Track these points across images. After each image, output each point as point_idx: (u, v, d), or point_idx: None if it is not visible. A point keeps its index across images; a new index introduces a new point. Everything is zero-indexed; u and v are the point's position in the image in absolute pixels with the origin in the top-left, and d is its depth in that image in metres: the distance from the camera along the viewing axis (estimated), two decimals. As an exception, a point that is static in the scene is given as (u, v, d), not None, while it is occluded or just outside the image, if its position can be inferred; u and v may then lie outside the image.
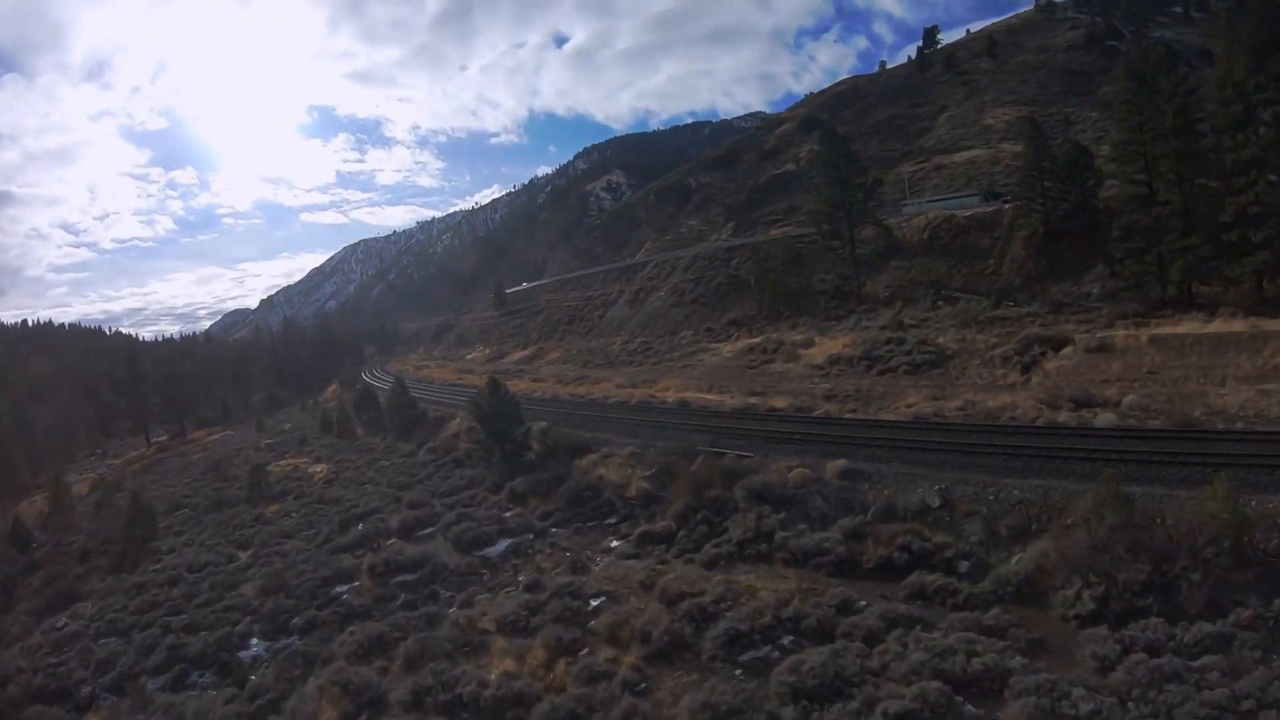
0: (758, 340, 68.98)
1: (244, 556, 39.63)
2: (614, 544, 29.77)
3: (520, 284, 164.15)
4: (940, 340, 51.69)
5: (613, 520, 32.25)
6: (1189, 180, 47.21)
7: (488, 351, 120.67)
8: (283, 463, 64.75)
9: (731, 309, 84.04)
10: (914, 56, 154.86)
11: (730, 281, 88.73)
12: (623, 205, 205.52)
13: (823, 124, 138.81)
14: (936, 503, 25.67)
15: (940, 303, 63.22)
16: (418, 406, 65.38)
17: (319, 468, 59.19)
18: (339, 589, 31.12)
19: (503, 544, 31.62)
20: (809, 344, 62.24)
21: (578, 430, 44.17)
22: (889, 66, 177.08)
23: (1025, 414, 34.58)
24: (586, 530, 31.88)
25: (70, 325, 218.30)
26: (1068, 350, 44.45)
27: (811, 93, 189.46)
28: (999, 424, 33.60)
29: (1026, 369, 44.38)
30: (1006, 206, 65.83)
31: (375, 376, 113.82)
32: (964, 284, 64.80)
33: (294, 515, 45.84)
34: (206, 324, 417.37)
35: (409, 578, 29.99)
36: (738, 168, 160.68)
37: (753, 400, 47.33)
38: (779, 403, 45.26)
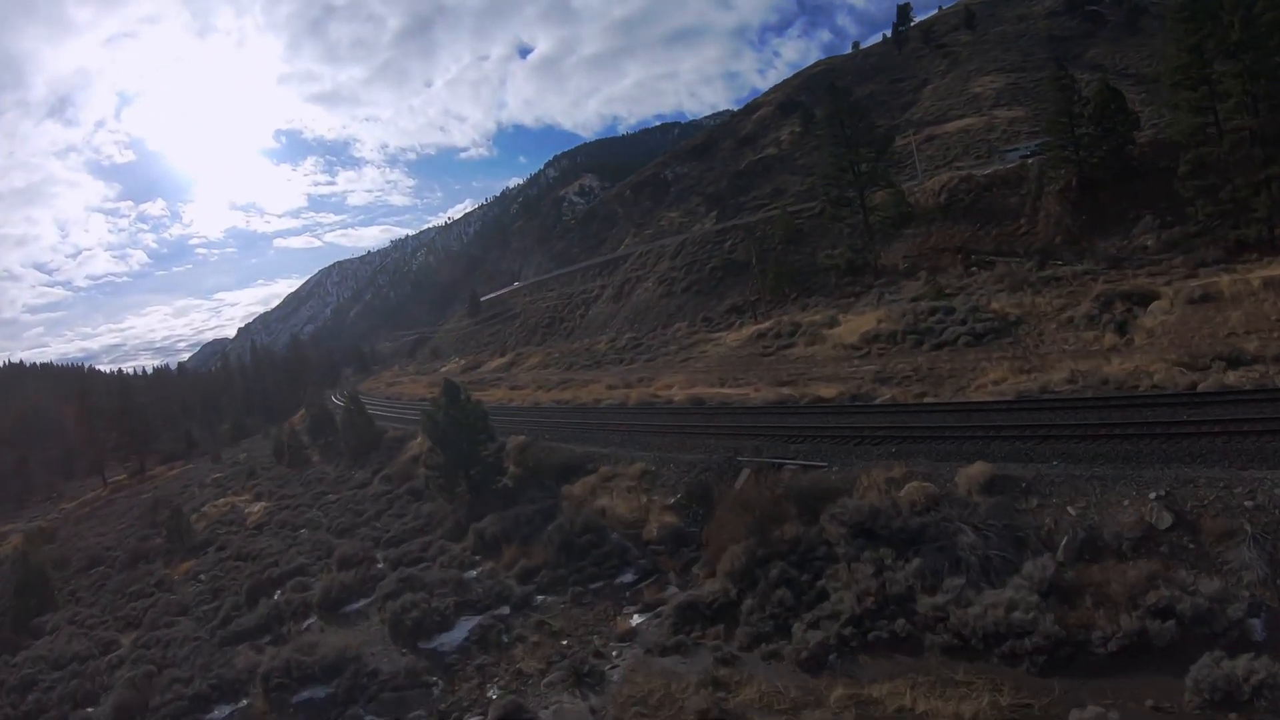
0: (767, 325, 59.40)
1: (125, 643, 28.60)
2: (636, 620, 18.66)
3: (496, 291, 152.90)
4: (994, 306, 42.98)
5: (629, 578, 21.18)
6: (1264, 100, 39.26)
7: (463, 363, 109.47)
8: (221, 502, 53.73)
9: (729, 294, 74.11)
10: (889, 35, 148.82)
11: (725, 265, 78.39)
12: (598, 203, 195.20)
13: (801, 106, 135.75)
14: (1166, 521, 14.92)
15: (974, 268, 54.28)
16: (374, 426, 54.27)
17: (256, 507, 48.22)
18: (217, 713, 19.92)
19: (464, 627, 20.33)
20: (832, 323, 52.80)
21: (566, 444, 33.43)
22: (863, 47, 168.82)
23: (1169, 379, 25.35)
24: (590, 597, 20.66)
25: (42, 365, 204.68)
26: (1160, 305, 36.20)
27: (787, 78, 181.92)
28: (1171, 394, 22.95)
29: (1122, 329, 35.87)
30: (1030, 161, 58.54)
31: (343, 398, 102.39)
32: (996, 247, 56.16)
33: (203, 578, 34.84)
34: (186, 356, 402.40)
35: (320, 693, 18.81)
36: (715, 156, 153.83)
37: (786, 391, 36.66)
38: (824, 391, 34.53)
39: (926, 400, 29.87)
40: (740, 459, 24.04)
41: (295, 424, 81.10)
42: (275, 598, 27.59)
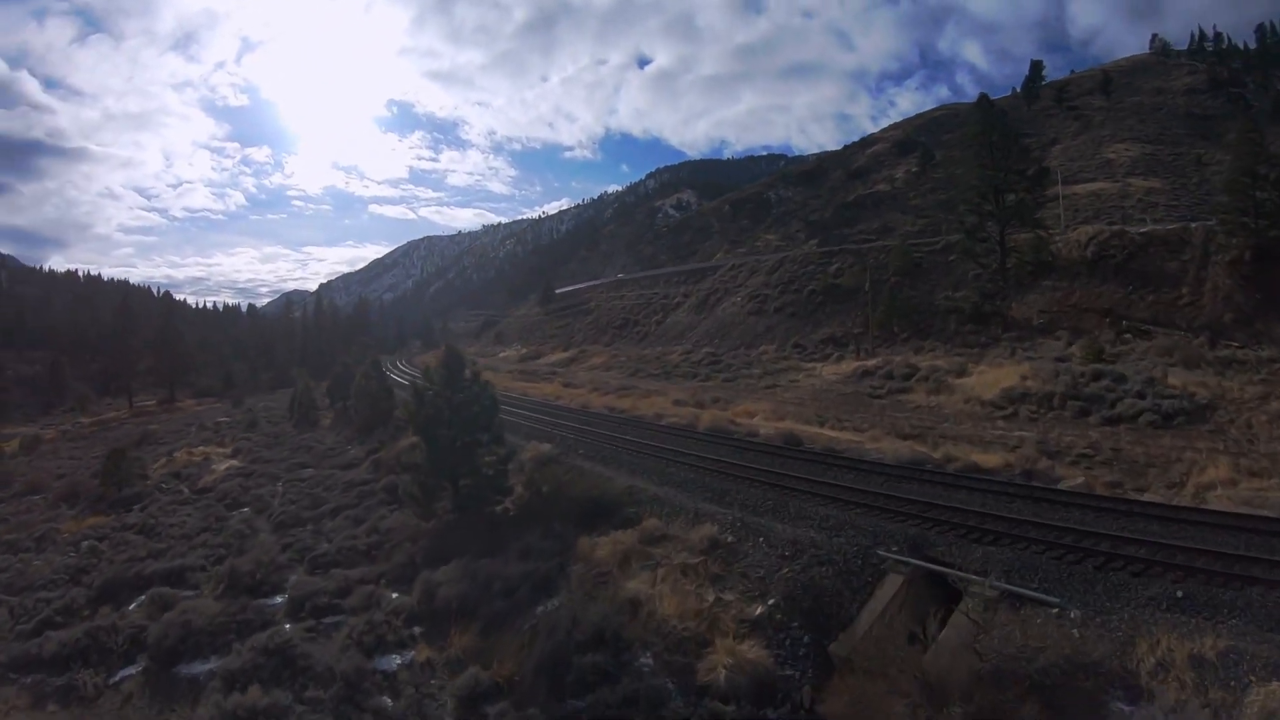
0: (873, 362, 48.74)
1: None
2: None
3: (574, 284, 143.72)
4: (1172, 382, 33.79)
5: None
6: None
7: (524, 351, 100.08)
8: (198, 450, 44.63)
9: (827, 323, 63.39)
10: (1017, 90, 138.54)
11: (827, 291, 67.56)
12: (693, 214, 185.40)
13: (921, 146, 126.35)
14: None
15: (1127, 335, 45.41)
16: (392, 398, 44.67)
17: (224, 465, 38.86)
18: None
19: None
20: (961, 372, 42.03)
21: (604, 468, 23.40)
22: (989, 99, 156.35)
23: None
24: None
25: (118, 281, 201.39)
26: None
27: (908, 117, 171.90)
28: None
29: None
30: (1194, 225, 50.40)
31: (394, 367, 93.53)
32: (1152, 315, 46.60)
33: (87, 545, 25.12)
34: (265, 301, 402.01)
35: None
36: (823, 184, 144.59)
37: (917, 447, 26.01)
38: (978, 458, 23.72)
39: (1146, 498, 19.13)
40: (883, 553, 13.54)
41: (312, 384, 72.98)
42: (95, 618, 17.70)
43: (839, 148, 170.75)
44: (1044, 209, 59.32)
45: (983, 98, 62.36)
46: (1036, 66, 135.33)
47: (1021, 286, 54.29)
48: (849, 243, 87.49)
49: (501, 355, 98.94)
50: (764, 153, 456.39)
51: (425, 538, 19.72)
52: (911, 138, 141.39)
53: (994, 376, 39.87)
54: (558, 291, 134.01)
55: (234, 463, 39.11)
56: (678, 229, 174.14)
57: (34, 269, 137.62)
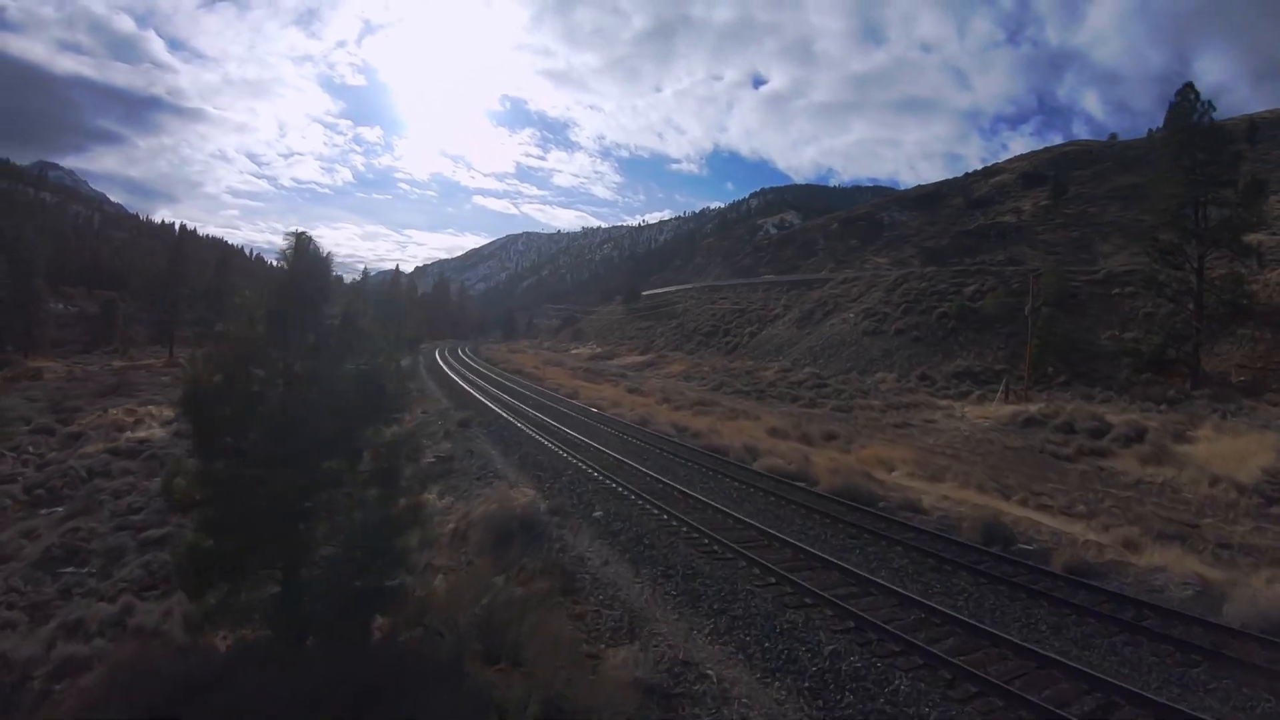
0: (1034, 409, 35.71)
1: None
2: None
3: (663, 287, 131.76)
4: None
5: None
6: None
7: (597, 350, 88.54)
8: (143, 410, 34.28)
9: (960, 353, 50.93)
10: (1154, 131, 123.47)
11: (960, 315, 54.53)
12: (797, 229, 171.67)
13: (1049, 179, 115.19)
14: None
15: None
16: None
17: (142, 433, 28.07)
18: None
19: None
20: (1177, 436, 29.86)
21: (626, 570, 11.85)
22: (1120, 139, 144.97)
23: None
24: None
25: (212, 237, 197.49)
26: None
27: (1034, 150, 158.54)
28: None
29: None
30: None
31: (455, 353, 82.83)
32: None
33: None
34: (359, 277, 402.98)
35: None
36: (939, 210, 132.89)
37: (1197, 563, 13.23)
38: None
39: None
40: None
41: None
42: None
43: (958, 175, 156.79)
44: (1261, 230, 46.04)
45: (1187, 86, 47.90)
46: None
47: (1210, 333, 41.71)
48: (978, 268, 74.06)
49: (573, 352, 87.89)
50: (870, 184, 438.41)
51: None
52: (1039, 170, 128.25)
53: (1232, 447, 27.11)
54: (645, 293, 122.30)
55: (158, 432, 28.07)
56: (780, 243, 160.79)
57: (130, 215, 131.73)
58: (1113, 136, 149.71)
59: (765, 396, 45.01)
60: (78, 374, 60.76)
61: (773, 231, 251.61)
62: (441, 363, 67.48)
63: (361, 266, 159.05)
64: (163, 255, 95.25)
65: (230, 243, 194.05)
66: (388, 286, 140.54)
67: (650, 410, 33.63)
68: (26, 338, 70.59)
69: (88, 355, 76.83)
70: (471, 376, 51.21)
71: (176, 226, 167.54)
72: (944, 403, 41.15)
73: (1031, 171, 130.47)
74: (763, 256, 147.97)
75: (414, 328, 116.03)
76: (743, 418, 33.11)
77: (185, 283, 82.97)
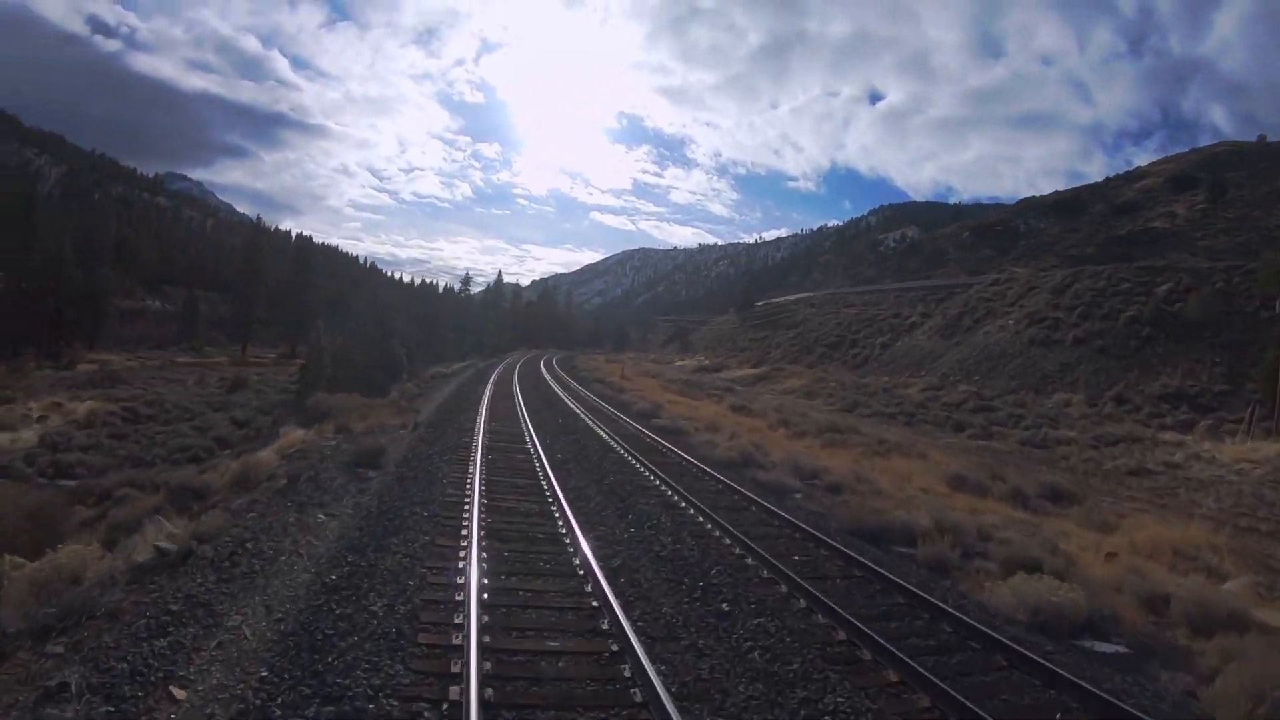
0: None
1: None
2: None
3: (781, 296, 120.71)
4: None
5: None
6: None
7: (705, 361, 78.51)
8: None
9: (1160, 369, 39.84)
10: None
11: (1157, 320, 42.68)
12: (924, 238, 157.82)
13: (1201, 182, 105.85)
14: None
15: None
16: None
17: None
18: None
19: None
20: None
21: None
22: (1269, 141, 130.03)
23: None
24: None
25: (327, 245, 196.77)
26: None
27: (1181, 152, 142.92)
28: None
29: None
30: None
31: (540, 361, 72.49)
32: None
33: None
34: (479, 289, 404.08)
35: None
36: (1081, 217, 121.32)
37: None
38: None
39: None
40: None
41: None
42: None
43: (1100, 179, 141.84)
44: None
45: None
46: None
47: None
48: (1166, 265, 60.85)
49: (676, 364, 78.57)
50: (991, 203, 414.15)
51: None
52: (1188, 173, 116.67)
53: None
54: (759, 303, 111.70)
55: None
56: (905, 252, 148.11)
57: (249, 222, 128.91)
58: (1261, 138, 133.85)
59: (917, 422, 34.03)
60: (142, 368, 56.88)
61: (894, 246, 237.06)
62: (506, 370, 52.69)
63: (479, 280, 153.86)
64: (240, 254, 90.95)
65: (350, 253, 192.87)
66: (489, 294, 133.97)
67: (760, 438, 23.03)
68: (93, 331, 69.65)
69: (161, 350, 75.27)
70: (525, 385, 38.14)
71: (293, 234, 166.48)
72: (1167, 436, 29.39)
73: (1180, 174, 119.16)
74: (887, 267, 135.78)
75: (496, 336, 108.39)
76: (898, 454, 22.37)
77: (262, 279, 79.68)
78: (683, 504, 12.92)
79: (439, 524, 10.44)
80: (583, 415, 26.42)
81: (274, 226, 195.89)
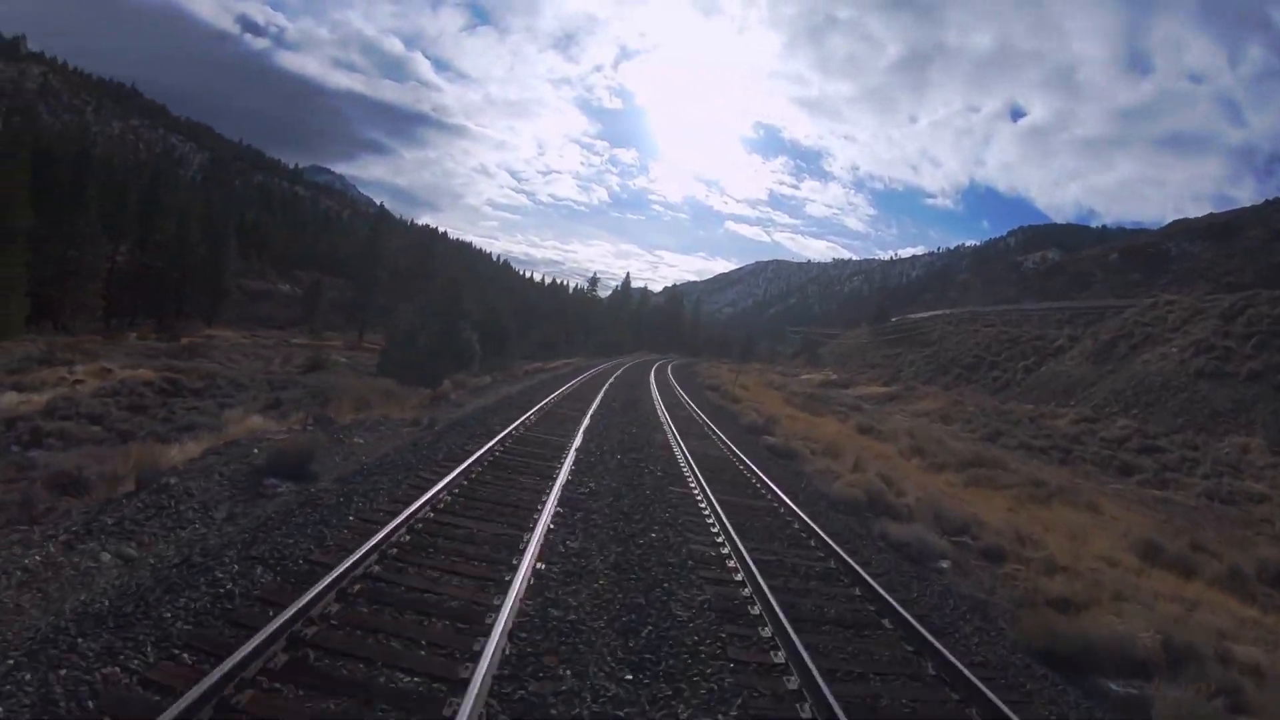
0: None
1: None
2: None
3: (914, 313, 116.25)
4: None
5: None
6: None
7: (832, 376, 75.43)
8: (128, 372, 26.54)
9: None
10: None
11: (1348, 356, 37.75)
12: (1068, 260, 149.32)
13: None
14: None
15: None
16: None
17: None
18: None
19: None
20: None
21: None
22: None
23: None
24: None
25: (461, 241, 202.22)
26: None
27: None
28: None
29: None
30: None
31: (654, 366, 69.57)
32: None
33: None
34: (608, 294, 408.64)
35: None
36: (1238, 242, 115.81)
37: None
38: None
39: None
40: None
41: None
42: None
43: (1254, 203, 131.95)
44: None
45: None
46: None
47: None
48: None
49: (802, 377, 75.57)
50: (1135, 227, 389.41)
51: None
52: None
53: None
54: (893, 318, 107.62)
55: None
56: (1048, 273, 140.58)
57: (388, 215, 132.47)
58: None
59: (1072, 459, 30.76)
60: (247, 344, 58.80)
61: (1034, 267, 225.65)
62: (612, 367, 51.33)
63: (612, 284, 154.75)
64: (361, 241, 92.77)
65: (483, 250, 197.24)
66: (617, 296, 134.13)
67: (890, 468, 19.12)
68: (213, 308, 73.26)
69: (280, 331, 76.12)
70: (619, 385, 34.52)
71: (425, 227, 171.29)
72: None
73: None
74: (1027, 288, 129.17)
75: (619, 336, 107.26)
76: (1061, 502, 19.55)
77: (381, 266, 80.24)
78: (755, 603, 7.25)
79: (257, 599, 5.78)
80: (667, 425, 20.60)
81: (410, 220, 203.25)
